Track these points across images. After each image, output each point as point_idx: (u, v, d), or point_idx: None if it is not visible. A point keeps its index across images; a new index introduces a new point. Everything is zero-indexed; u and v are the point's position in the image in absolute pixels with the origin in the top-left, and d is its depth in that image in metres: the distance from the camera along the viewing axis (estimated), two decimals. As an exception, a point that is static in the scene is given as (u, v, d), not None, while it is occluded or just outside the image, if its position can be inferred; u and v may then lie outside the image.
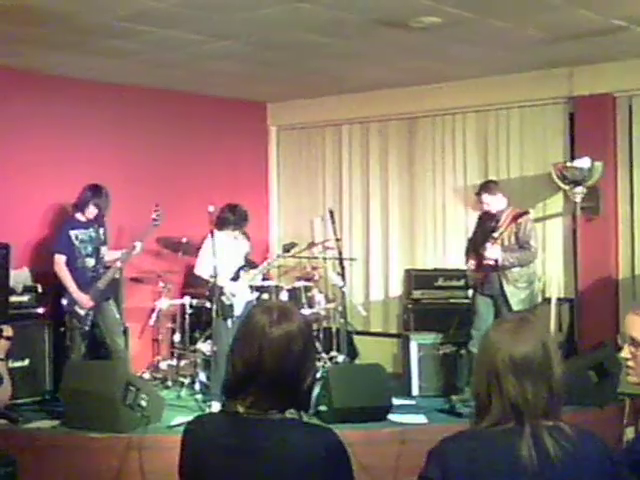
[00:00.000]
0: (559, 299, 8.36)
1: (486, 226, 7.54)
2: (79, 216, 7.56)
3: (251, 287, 7.88)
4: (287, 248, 8.08)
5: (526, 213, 7.32)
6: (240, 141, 10.17)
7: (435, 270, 9.15)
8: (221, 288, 7.38)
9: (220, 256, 7.29)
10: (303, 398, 2.47)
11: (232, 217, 7.52)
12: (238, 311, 7.48)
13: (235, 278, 7.59)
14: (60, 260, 7.43)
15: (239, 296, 7.52)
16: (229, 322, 7.41)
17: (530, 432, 2.27)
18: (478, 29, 6.87)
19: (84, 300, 7.39)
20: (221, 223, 7.49)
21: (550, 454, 2.25)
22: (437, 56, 7.92)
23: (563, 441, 2.27)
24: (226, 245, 7.52)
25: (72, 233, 7.48)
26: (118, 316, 7.71)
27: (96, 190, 7.53)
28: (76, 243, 7.47)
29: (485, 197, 7.50)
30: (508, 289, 7.32)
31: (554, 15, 6.49)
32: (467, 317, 7.85)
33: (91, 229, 7.57)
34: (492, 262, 7.27)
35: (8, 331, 4.12)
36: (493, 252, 7.23)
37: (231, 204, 7.62)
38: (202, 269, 7.59)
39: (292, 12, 6.32)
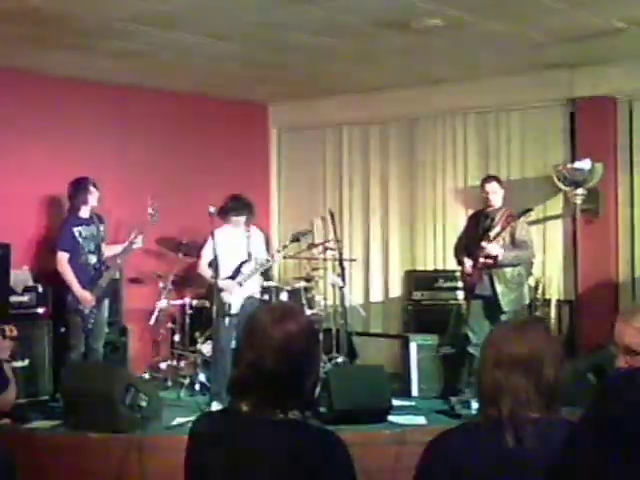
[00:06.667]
0: (559, 301, 8.36)
1: (480, 225, 7.53)
2: (81, 213, 7.58)
3: (263, 287, 7.91)
4: (296, 237, 7.98)
5: (524, 214, 7.32)
6: (241, 142, 10.17)
7: (435, 271, 9.16)
8: (219, 287, 7.39)
9: (222, 251, 7.31)
10: (306, 398, 2.48)
11: (232, 204, 7.56)
12: (236, 309, 7.47)
13: (236, 274, 7.57)
14: (63, 258, 7.42)
15: (235, 294, 7.49)
16: (226, 320, 7.40)
17: (512, 424, 2.33)
18: (479, 31, 6.88)
19: (87, 298, 7.38)
20: (224, 212, 7.53)
21: (529, 445, 2.31)
22: (438, 58, 7.93)
23: (546, 433, 2.32)
24: (230, 239, 7.52)
25: (75, 230, 7.48)
26: (106, 316, 7.69)
27: (81, 183, 7.55)
28: (80, 240, 7.47)
29: (493, 185, 7.50)
30: (499, 289, 7.31)
31: (555, 17, 6.49)
32: (459, 319, 7.88)
33: (92, 225, 7.58)
34: (490, 260, 7.26)
35: (13, 331, 4.14)
36: (494, 249, 7.20)
37: (234, 193, 7.69)
38: (203, 268, 7.61)
39: (293, 14, 6.33)
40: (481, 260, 7.31)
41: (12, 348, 4.14)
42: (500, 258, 7.20)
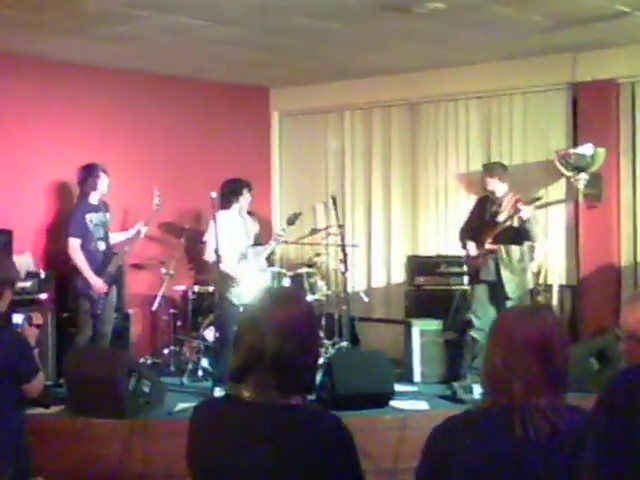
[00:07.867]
0: (561, 286, 8.36)
1: (486, 210, 7.55)
2: (90, 199, 7.61)
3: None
4: (291, 220, 8.00)
5: (532, 202, 7.35)
6: (242, 127, 10.15)
7: (437, 256, 9.15)
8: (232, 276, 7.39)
9: (228, 238, 7.30)
10: (306, 382, 2.49)
11: (239, 183, 7.61)
12: (249, 295, 7.43)
13: (242, 260, 7.56)
14: (75, 244, 7.46)
15: (247, 280, 7.48)
16: (241, 308, 7.37)
17: (522, 410, 2.34)
18: (482, 15, 6.85)
19: (100, 285, 7.44)
20: (233, 194, 7.53)
21: (536, 432, 2.32)
22: (440, 42, 7.90)
23: (553, 418, 2.33)
24: (234, 225, 7.52)
25: (87, 217, 7.53)
26: (115, 302, 7.74)
27: (91, 169, 7.59)
28: (90, 227, 7.53)
29: (483, 174, 7.66)
30: (504, 274, 7.33)
31: (557, 1, 6.47)
32: (463, 304, 7.89)
33: (101, 212, 7.65)
34: (495, 246, 7.29)
35: (39, 319, 4.16)
36: (527, 211, 7.21)
37: (230, 178, 7.70)
38: (211, 255, 7.48)
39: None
40: (487, 246, 7.34)
41: (37, 335, 4.16)
42: (529, 223, 7.23)
